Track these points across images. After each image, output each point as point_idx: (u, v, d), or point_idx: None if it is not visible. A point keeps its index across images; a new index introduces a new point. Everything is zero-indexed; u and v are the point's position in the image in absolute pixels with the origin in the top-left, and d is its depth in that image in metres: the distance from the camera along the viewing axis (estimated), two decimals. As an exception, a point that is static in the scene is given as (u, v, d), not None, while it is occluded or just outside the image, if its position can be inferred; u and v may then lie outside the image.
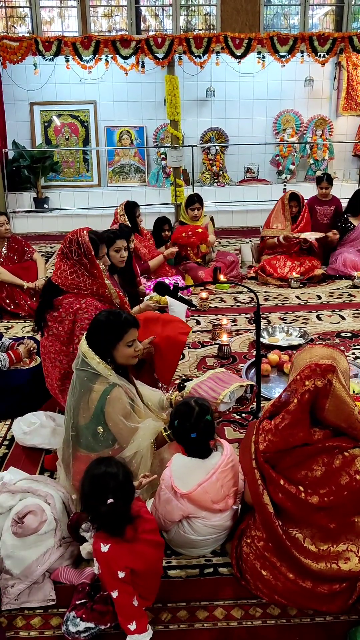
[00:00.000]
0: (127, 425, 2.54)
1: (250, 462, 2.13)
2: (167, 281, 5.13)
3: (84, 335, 2.66)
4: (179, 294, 3.20)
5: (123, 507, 1.99)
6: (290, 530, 2.04)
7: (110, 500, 1.96)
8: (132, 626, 1.97)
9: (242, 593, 2.22)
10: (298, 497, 2.00)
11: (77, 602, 2.04)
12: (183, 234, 5.89)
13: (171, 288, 3.15)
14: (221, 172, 9.30)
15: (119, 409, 2.52)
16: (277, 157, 9.25)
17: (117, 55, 7.72)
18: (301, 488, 2.02)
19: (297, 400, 2.00)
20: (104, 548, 1.95)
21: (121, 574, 1.92)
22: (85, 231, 3.17)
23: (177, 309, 4.36)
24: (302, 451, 2.05)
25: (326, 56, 7.92)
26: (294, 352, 4.15)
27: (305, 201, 6.24)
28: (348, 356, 4.25)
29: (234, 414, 3.45)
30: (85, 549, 2.22)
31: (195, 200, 6.11)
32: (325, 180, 6.45)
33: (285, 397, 2.09)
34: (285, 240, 6.02)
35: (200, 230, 5.92)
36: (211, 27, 8.97)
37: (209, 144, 9.21)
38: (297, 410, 2.00)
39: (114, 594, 1.94)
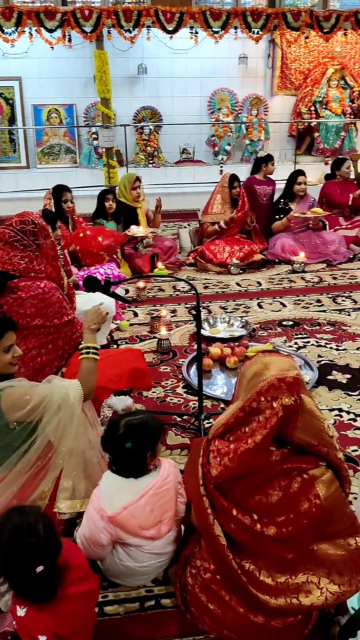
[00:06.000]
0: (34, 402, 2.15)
1: (198, 489, 1.88)
2: (102, 270, 4.84)
3: None
4: (111, 289, 2.90)
5: (50, 572, 1.62)
6: (244, 562, 1.81)
7: (40, 568, 1.58)
8: None
9: (188, 628, 1.98)
10: (253, 528, 1.77)
11: (-3, 659, 1.76)
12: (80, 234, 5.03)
13: (102, 283, 2.86)
14: (156, 153, 8.97)
15: (22, 402, 2.13)
16: (213, 138, 8.99)
17: (42, 28, 7.20)
18: (255, 517, 1.79)
19: (266, 432, 1.75)
20: (20, 612, 1.63)
21: (42, 638, 1.63)
22: (33, 214, 3.06)
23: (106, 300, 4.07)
24: (256, 477, 1.81)
25: (260, 33, 7.67)
26: (236, 344, 3.99)
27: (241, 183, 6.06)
28: (290, 346, 4.09)
29: (175, 417, 3.22)
30: (4, 602, 1.93)
31: (137, 179, 5.80)
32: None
33: (239, 417, 1.85)
34: (227, 224, 5.87)
35: (104, 241, 5.05)
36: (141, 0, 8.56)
37: (142, 124, 8.85)
38: (265, 437, 1.76)
39: (35, 655, 1.66)
